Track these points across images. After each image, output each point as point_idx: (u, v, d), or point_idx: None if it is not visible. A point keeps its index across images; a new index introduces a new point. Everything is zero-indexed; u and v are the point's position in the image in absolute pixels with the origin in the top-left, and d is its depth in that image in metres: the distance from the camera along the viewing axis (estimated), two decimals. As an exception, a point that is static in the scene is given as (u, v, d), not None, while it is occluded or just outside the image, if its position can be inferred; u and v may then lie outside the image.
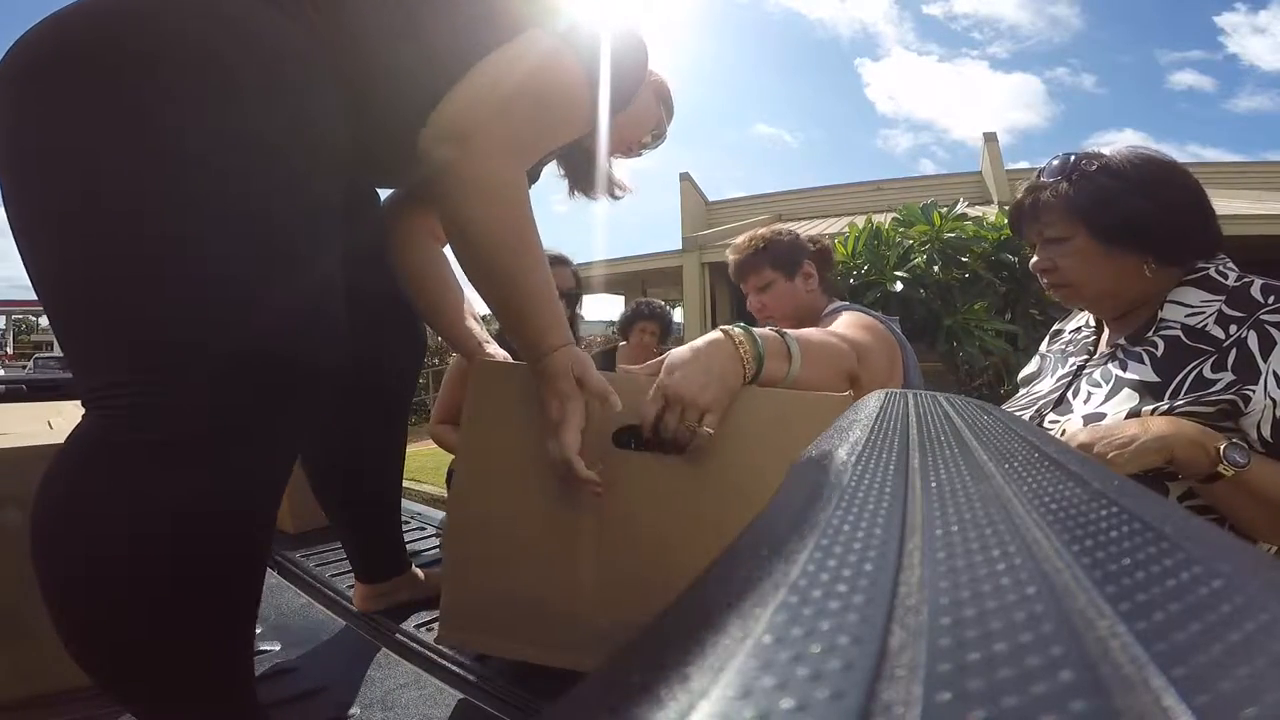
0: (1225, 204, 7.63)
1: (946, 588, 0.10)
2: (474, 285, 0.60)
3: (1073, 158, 0.75)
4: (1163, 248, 0.72)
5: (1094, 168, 0.73)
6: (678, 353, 0.60)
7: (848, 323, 0.95)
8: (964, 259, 3.73)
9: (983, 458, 0.20)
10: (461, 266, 0.60)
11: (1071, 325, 0.90)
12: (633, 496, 0.58)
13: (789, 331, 0.67)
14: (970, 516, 0.14)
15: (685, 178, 11.68)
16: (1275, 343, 0.64)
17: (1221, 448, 0.61)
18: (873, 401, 0.30)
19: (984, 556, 0.12)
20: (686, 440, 0.55)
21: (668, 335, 2.35)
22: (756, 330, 0.64)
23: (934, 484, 0.17)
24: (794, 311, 1.11)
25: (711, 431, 0.55)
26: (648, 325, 2.25)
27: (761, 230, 1.17)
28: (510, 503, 0.61)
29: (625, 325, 2.34)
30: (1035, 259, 0.79)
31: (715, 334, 0.62)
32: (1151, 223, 0.70)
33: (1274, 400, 0.63)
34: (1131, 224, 0.71)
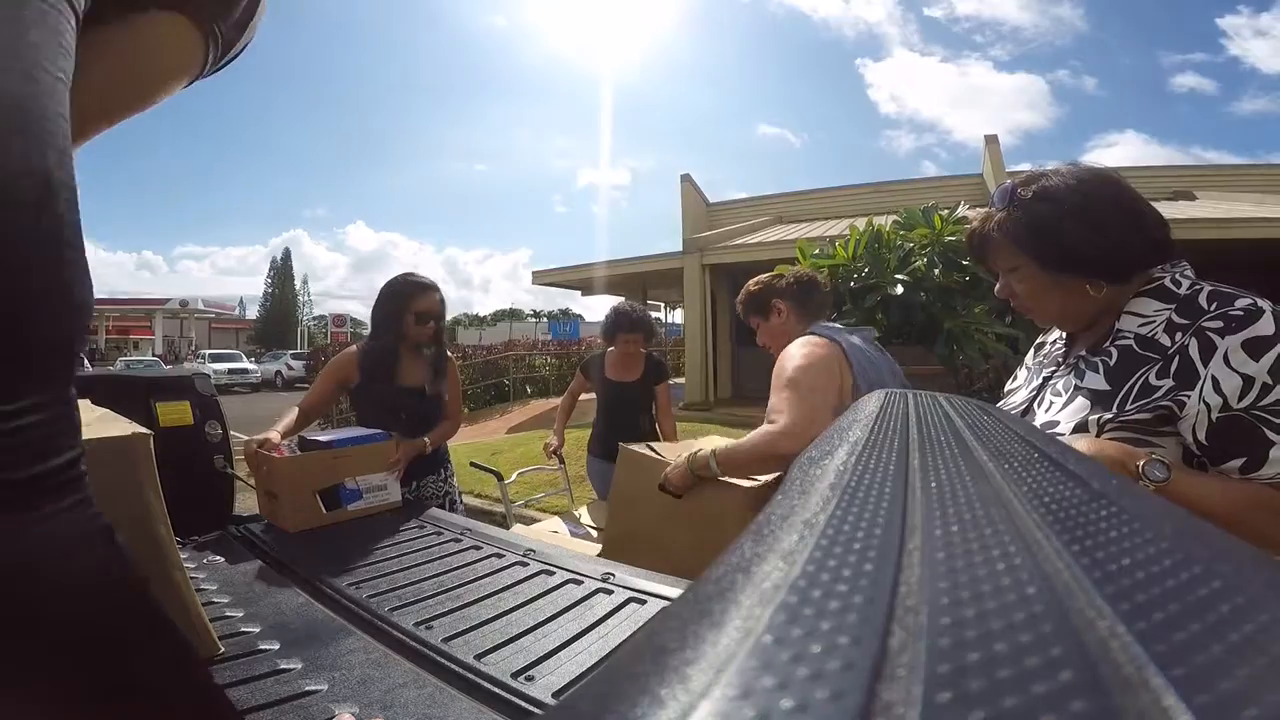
0: (1227, 207, 7.63)
1: (946, 588, 0.10)
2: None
3: (1013, 186, 0.78)
4: (1104, 270, 0.73)
5: (1030, 195, 0.75)
6: (671, 466, 1.27)
7: (780, 366, 1.28)
8: (964, 262, 3.72)
9: (983, 458, 0.20)
10: None
11: (1050, 337, 0.93)
12: (672, 513, 1.28)
13: (718, 450, 1.22)
14: (970, 516, 0.14)
15: (686, 179, 11.68)
16: (1215, 348, 0.64)
17: (1141, 465, 0.62)
18: (873, 401, 0.30)
19: (984, 556, 0.12)
20: (677, 496, 1.27)
21: (651, 338, 2.36)
22: (700, 455, 1.22)
23: (934, 484, 0.17)
24: (783, 340, 1.42)
25: (680, 496, 1.27)
26: (631, 337, 2.26)
27: (750, 281, 1.55)
28: (641, 518, 1.36)
29: (609, 334, 2.33)
30: (998, 286, 0.83)
31: (683, 461, 1.24)
32: (1090, 248, 0.72)
33: (1208, 405, 0.63)
34: (1070, 252, 0.73)
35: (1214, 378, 0.64)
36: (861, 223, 4.26)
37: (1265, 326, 0.63)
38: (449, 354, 1.81)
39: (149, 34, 0.61)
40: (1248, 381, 0.63)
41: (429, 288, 1.71)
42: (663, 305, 14.98)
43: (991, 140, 10.60)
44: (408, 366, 1.70)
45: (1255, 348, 0.63)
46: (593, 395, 2.50)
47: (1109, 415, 0.69)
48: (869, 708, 0.07)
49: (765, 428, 1.20)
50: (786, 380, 1.23)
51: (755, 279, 1.52)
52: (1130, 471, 0.62)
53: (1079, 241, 0.72)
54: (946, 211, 3.95)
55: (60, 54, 0.43)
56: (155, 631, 0.45)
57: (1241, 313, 0.65)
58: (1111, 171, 0.76)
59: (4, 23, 0.40)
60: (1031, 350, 0.97)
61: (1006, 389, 0.96)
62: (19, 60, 0.40)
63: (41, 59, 0.41)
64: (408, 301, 1.67)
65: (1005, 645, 0.09)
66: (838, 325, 1.42)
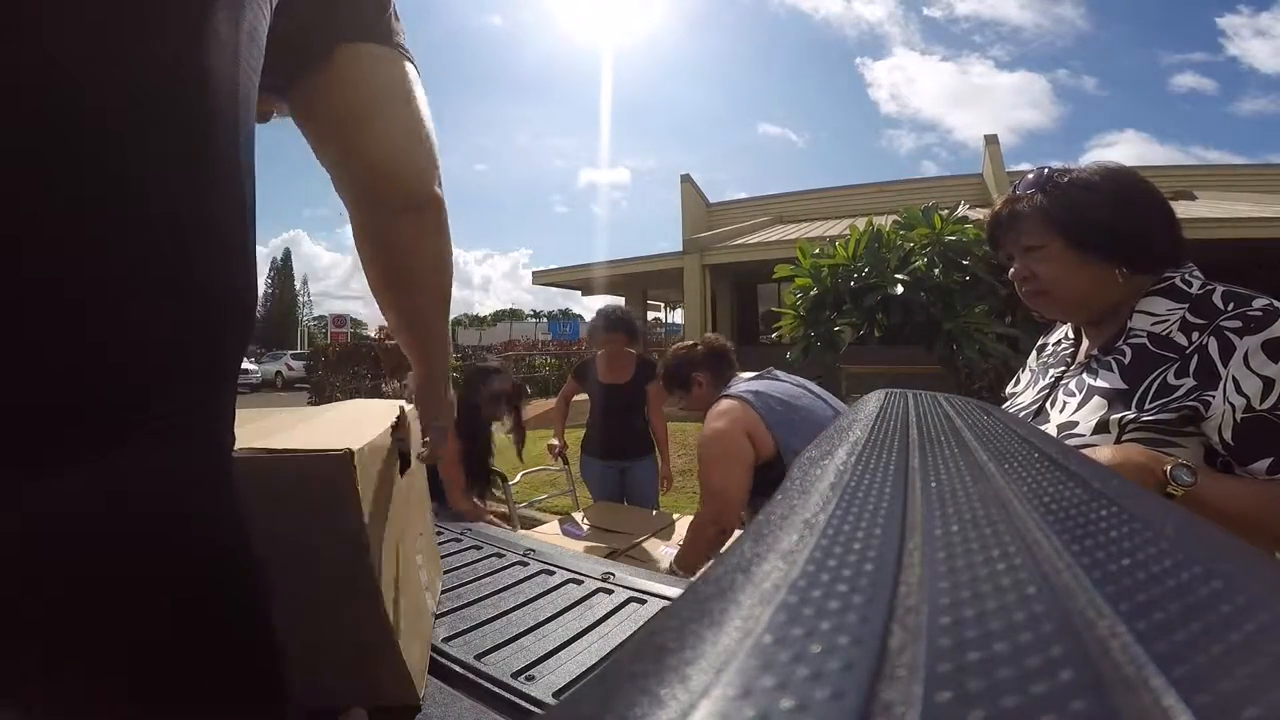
0: (1228, 207, 7.63)
1: (946, 588, 0.10)
2: (412, 300, 0.65)
3: (1047, 171, 0.80)
4: (1133, 255, 0.74)
5: (1066, 180, 0.77)
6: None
7: (701, 448, 1.46)
8: (964, 262, 3.73)
9: (983, 458, 0.20)
10: (412, 285, 0.65)
11: (1054, 338, 0.92)
12: None
13: (675, 562, 1.40)
14: (970, 516, 0.14)
15: (686, 179, 11.69)
16: (1234, 348, 0.64)
17: (1168, 469, 0.62)
18: (873, 401, 0.30)
19: (984, 556, 0.12)
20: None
21: (636, 338, 2.45)
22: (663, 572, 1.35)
23: (934, 484, 0.17)
24: (704, 406, 1.57)
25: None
26: (615, 336, 2.37)
27: (668, 356, 1.71)
28: None
29: (592, 337, 2.47)
30: (1013, 268, 0.82)
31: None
32: (1122, 231, 0.73)
33: (1233, 405, 0.63)
34: (1104, 232, 0.74)
35: (1234, 378, 0.64)
36: (862, 223, 4.26)
37: None
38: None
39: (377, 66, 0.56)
40: (1268, 384, 0.62)
41: (499, 372, 2.24)
42: (663, 305, 15.00)
43: (992, 140, 10.62)
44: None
45: (1275, 349, 0.63)
46: (585, 396, 2.54)
47: (1130, 415, 0.68)
48: (869, 708, 0.07)
49: (696, 519, 1.45)
50: (702, 471, 1.45)
51: (672, 351, 1.71)
52: (1158, 476, 0.62)
53: (1115, 222, 0.73)
54: (946, 211, 3.95)
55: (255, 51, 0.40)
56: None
57: (1260, 313, 0.65)
58: (1135, 171, 0.78)
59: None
60: (1034, 352, 0.96)
61: (1008, 392, 0.95)
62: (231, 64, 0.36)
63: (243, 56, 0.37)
64: (482, 388, 2.10)
65: (1005, 645, 0.09)
66: (744, 376, 1.62)
